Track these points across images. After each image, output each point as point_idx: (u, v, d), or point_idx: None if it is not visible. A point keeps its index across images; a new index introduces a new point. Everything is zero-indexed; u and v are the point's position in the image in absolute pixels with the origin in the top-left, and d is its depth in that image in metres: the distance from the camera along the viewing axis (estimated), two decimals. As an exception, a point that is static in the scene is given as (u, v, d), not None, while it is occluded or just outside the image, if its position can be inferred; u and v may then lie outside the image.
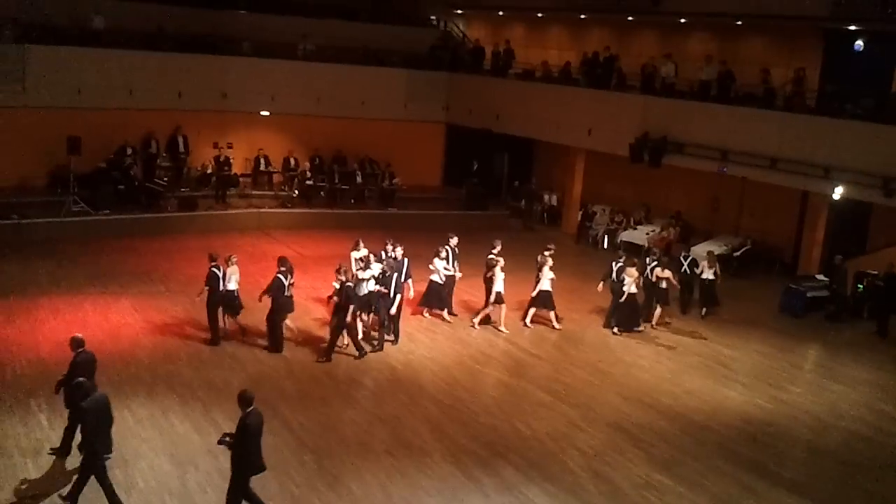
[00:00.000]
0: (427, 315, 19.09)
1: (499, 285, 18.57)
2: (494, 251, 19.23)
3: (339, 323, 16.10)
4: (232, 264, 16.59)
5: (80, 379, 10.98)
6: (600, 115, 25.96)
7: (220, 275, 16.25)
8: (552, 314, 19.23)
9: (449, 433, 13.83)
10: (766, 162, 21.73)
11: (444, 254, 18.87)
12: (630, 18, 28.15)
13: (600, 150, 26.50)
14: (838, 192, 20.84)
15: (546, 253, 19.03)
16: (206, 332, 16.62)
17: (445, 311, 19.18)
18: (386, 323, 17.20)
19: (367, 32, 30.73)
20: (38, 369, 14.71)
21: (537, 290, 18.83)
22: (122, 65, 25.36)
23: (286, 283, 16.26)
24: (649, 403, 15.61)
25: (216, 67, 26.98)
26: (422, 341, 17.80)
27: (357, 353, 16.42)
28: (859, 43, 22.74)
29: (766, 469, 13.52)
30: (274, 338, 16.44)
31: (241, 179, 27.16)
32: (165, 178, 25.80)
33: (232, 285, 16.55)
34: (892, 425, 15.64)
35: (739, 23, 25.30)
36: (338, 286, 16.07)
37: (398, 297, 17.24)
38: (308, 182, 27.19)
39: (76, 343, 11.98)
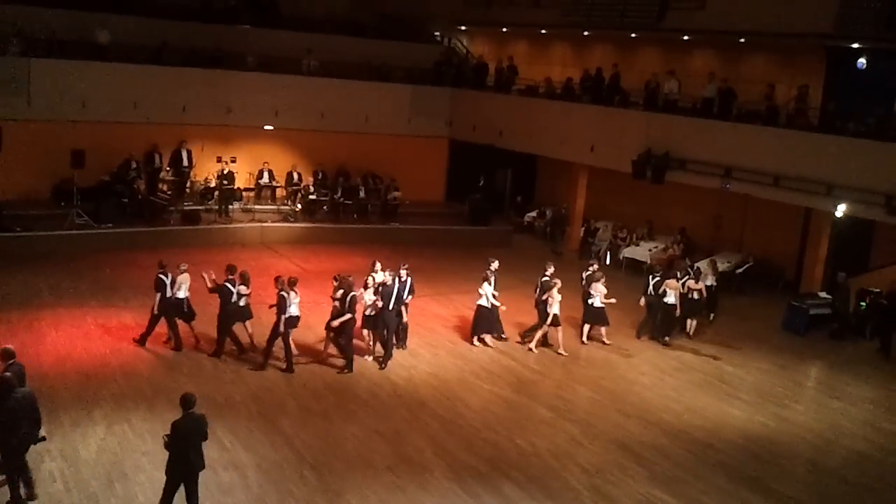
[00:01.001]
0: (477, 343, 18.69)
1: (555, 307, 18.44)
2: (548, 273, 18.82)
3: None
4: (182, 272, 16.68)
5: (6, 374, 11.06)
6: (603, 131, 26.00)
7: (168, 282, 16.41)
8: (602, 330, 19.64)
9: (450, 449, 13.79)
10: (768, 179, 21.74)
11: (492, 278, 18.53)
12: (633, 35, 28.21)
13: (603, 166, 26.53)
14: (841, 210, 20.83)
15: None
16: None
17: (493, 335, 18.94)
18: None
19: (371, 48, 30.83)
20: (39, 382, 14.60)
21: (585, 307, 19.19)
22: (126, 79, 25.46)
23: (234, 291, 16.31)
24: (651, 420, 15.57)
25: (220, 82, 27.07)
26: (423, 357, 17.78)
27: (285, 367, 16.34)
28: (862, 60, 22.78)
29: (768, 487, 13.46)
30: (220, 343, 16.53)
31: (244, 193, 27.21)
32: (169, 192, 25.86)
33: (181, 293, 16.67)
34: (895, 444, 15.57)
35: (742, 40, 25.37)
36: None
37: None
38: (311, 197, 27.25)
39: (6, 354, 11.71)
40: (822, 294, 22.43)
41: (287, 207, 27.29)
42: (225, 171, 26.22)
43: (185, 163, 26.59)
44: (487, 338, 18.80)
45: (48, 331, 17.11)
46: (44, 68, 24.30)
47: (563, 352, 18.55)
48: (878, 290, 21.20)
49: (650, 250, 25.72)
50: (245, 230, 25.75)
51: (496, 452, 13.83)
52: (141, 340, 16.75)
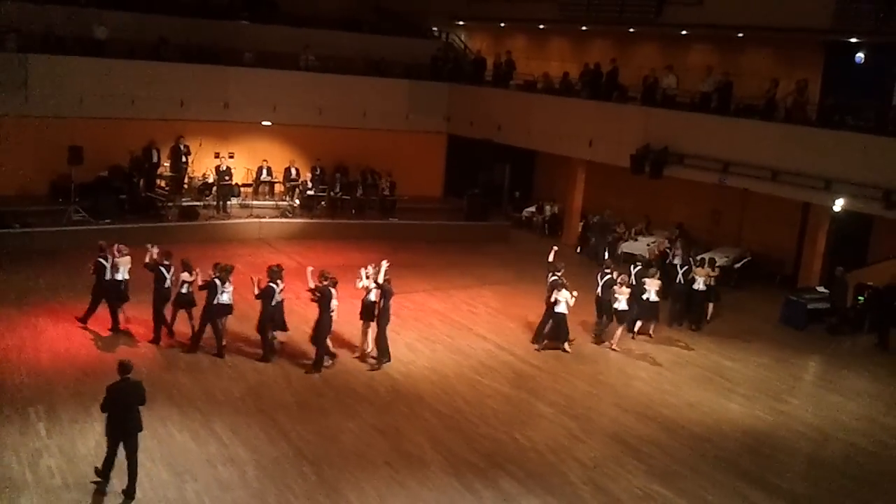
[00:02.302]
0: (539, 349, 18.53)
1: (620, 303, 18.62)
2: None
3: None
4: (123, 255, 16.91)
5: None
6: (601, 126, 25.99)
7: (108, 265, 16.65)
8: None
9: (448, 444, 13.80)
10: (766, 174, 21.75)
11: (566, 283, 18.27)
12: (631, 30, 28.20)
13: (601, 161, 26.52)
14: (839, 205, 20.84)
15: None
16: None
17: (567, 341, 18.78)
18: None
19: (368, 43, 30.83)
20: (37, 379, 14.72)
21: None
22: (124, 74, 25.40)
23: (167, 276, 16.47)
24: (649, 415, 15.58)
25: (218, 78, 27.05)
26: (422, 352, 17.78)
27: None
28: (860, 55, 22.79)
29: (766, 481, 13.48)
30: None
31: (242, 189, 27.19)
32: (167, 188, 25.84)
33: (120, 275, 16.89)
34: (893, 438, 15.59)
35: (740, 35, 25.35)
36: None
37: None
38: (309, 192, 27.24)
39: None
40: (821, 288, 22.46)
41: (285, 203, 27.27)
42: (223, 167, 26.20)
43: (184, 158, 26.55)
44: (566, 345, 18.53)
45: (46, 327, 17.10)
46: (41, 64, 24.24)
47: (616, 347, 18.67)
48: (875, 285, 21.19)
49: (648, 245, 25.71)
50: (243, 226, 25.72)
51: (495, 447, 13.84)
52: (83, 319, 17.08)
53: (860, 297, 21.41)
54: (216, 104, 27.05)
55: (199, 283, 16.43)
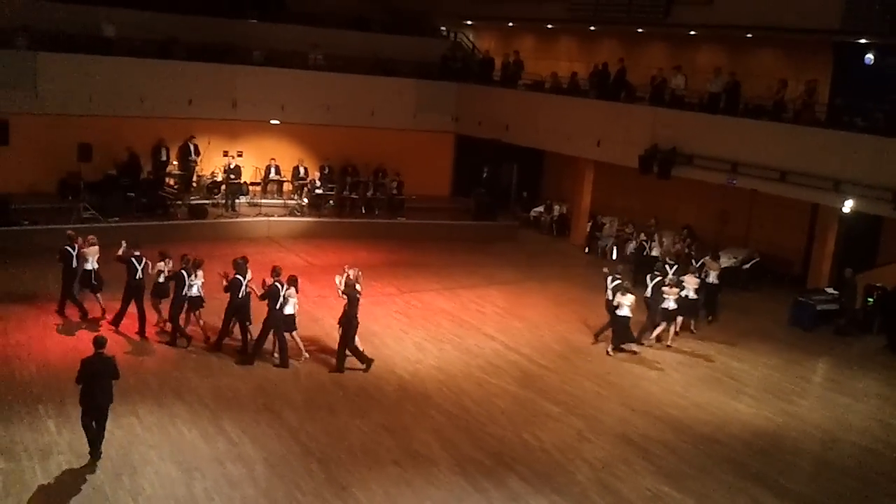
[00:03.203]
0: (614, 353, 18.45)
1: (668, 303, 18.79)
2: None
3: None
4: (91, 245, 17.49)
5: None
6: (610, 126, 25.96)
7: (74, 253, 17.23)
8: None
9: (456, 443, 13.80)
10: (775, 174, 21.70)
11: (629, 287, 18.46)
12: (640, 30, 28.17)
13: (609, 161, 26.50)
14: (848, 206, 20.80)
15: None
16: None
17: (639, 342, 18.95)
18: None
19: (377, 42, 30.85)
20: (46, 375, 14.77)
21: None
22: (133, 73, 25.49)
23: (139, 267, 16.83)
24: (657, 415, 15.56)
25: (227, 76, 27.11)
26: (430, 351, 17.78)
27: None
28: (870, 56, 22.72)
29: (775, 482, 13.46)
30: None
31: (250, 188, 27.23)
32: (176, 186, 25.90)
33: (89, 265, 17.43)
34: (901, 440, 15.58)
35: (749, 35, 25.30)
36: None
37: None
38: (317, 191, 27.28)
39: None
40: (829, 290, 22.40)
41: (293, 202, 27.31)
42: (231, 166, 26.25)
43: (193, 157, 26.61)
44: (633, 346, 18.70)
45: (55, 324, 17.16)
46: (51, 62, 24.35)
47: (671, 343, 19.15)
48: (884, 286, 21.14)
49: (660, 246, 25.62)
50: (252, 224, 25.75)
51: (502, 447, 13.84)
52: (59, 310, 17.57)
53: (869, 299, 21.37)
54: (225, 103, 27.10)
55: (168, 273, 16.83)
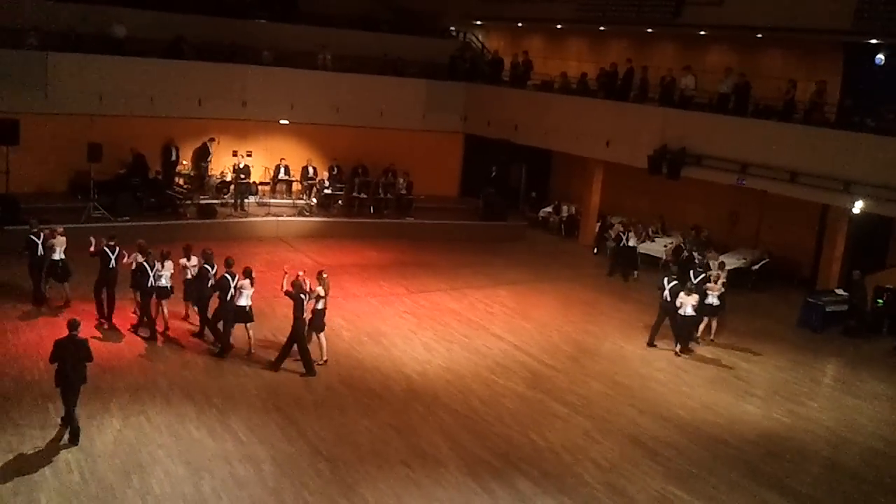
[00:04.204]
0: (681, 355, 18.64)
1: (711, 298, 19.03)
2: (711, 272, 19.28)
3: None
4: (59, 235, 18.04)
5: None
6: (619, 126, 25.92)
7: (39, 242, 17.83)
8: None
9: (464, 444, 13.81)
10: (785, 175, 21.63)
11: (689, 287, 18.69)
12: (649, 31, 28.11)
13: (618, 161, 26.44)
14: (858, 207, 20.73)
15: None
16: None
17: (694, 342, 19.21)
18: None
19: (386, 42, 30.85)
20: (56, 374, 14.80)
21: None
22: (142, 73, 25.54)
23: (112, 258, 17.33)
24: (666, 416, 15.54)
25: (236, 76, 27.12)
26: (438, 351, 17.80)
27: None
28: (880, 57, 22.64)
29: (783, 484, 13.43)
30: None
31: (259, 187, 27.28)
32: (185, 186, 25.97)
33: (56, 255, 17.96)
34: (911, 442, 15.52)
35: (759, 36, 25.22)
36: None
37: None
38: (326, 191, 27.30)
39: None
40: (839, 291, 22.33)
41: (302, 202, 27.35)
42: (241, 165, 26.30)
43: (209, 157, 26.67)
44: (692, 345, 18.97)
45: (64, 323, 17.12)
46: (61, 62, 24.41)
47: (714, 338, 19.49)
48: (894, 288, 21.07)
49: (665, 246, 25.61)
50: (261, 224, 25.81)
51: (510, 447, 13.84)
52: (35, 300, 18.09)
53: (879, 300, 21.30)
54: (234, 103, 27.12)
55: (130, 263, 17.14)
